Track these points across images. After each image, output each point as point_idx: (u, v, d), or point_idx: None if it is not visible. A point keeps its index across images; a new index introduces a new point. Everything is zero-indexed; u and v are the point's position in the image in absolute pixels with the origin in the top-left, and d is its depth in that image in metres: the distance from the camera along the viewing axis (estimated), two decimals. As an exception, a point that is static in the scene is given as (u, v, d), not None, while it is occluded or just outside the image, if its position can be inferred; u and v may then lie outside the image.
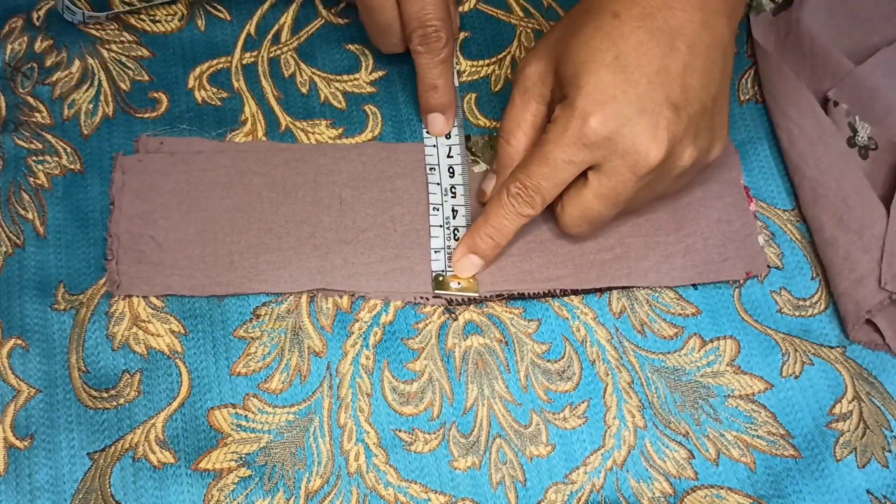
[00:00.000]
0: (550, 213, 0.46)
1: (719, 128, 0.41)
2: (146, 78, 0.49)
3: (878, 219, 0.44)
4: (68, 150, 0.47)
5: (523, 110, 0.42)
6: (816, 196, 0.46)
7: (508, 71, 0.50)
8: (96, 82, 0.48)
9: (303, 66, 0.50)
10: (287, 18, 0.51)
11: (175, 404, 0.42)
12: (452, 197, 0.46)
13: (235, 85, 0.49)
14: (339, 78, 0.49)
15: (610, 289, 0.45)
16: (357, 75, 0.50)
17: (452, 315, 0.44)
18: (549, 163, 0.39)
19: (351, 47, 0.50)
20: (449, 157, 0.47)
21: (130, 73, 0.49)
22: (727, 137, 0.42)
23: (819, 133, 0.47)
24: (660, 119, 0.37)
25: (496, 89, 0.50)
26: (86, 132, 0.47)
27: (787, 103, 0.48)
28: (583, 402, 0.42)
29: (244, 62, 0.49)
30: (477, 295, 0.44)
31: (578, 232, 0.42)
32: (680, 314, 0.45)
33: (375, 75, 0.50)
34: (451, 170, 0.46)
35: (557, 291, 0.44)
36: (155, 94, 0.48)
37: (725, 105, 0.41)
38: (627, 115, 0.37)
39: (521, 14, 0.52)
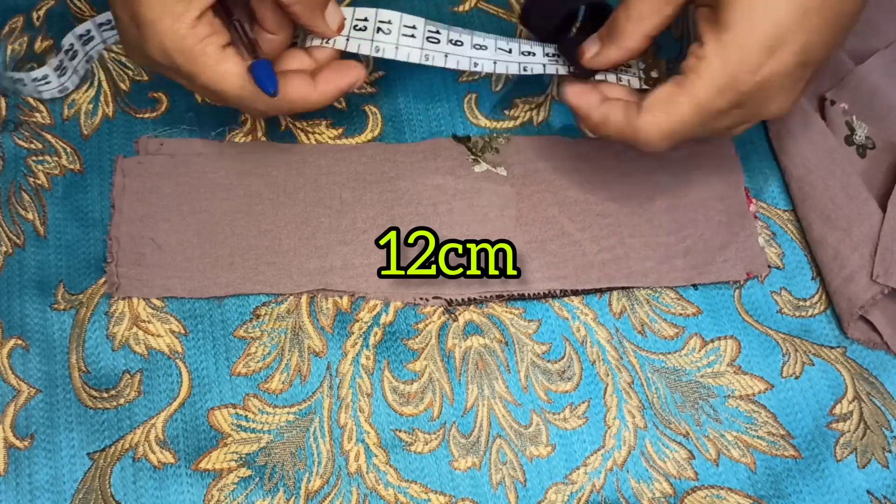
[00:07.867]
0: (550, 215, 0.46)
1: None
2: (146, 78, 0.49)
3: (867, 216, 0.44)
4: (68, 150, 0.47)
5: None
6: (804, 195, 0.46)
7: (509, 71, 0.50)
8: (96, 82, 0.48)
9: (303, 66, 0.49)
10: (287, 18, 0.51)
11: (175, 404, 0.42)
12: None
13: (235, 85, 0.49)
14: (339, 78, 0.49)
15: (610, 289, 0.45)
16: (357, 75, 0.50)
17: (452, 315, 0.44)
18: None
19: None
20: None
21: (130, 73, 0.49)
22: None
23: (805, 132, 0.47)
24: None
25: (496, 89, 0.50)
26: (86, 132, 0.47)
27: None
28: (583, 403, 0.42)
29: (244, 62, 0.49)
30: (478, 295, 0.44)
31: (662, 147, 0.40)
32: (680, 314, 0.45)
33: (375, 75, 0.50)
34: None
35: (557, 292, 0.44)
36: (154, 94, 0.48)
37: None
38: None
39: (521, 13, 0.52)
